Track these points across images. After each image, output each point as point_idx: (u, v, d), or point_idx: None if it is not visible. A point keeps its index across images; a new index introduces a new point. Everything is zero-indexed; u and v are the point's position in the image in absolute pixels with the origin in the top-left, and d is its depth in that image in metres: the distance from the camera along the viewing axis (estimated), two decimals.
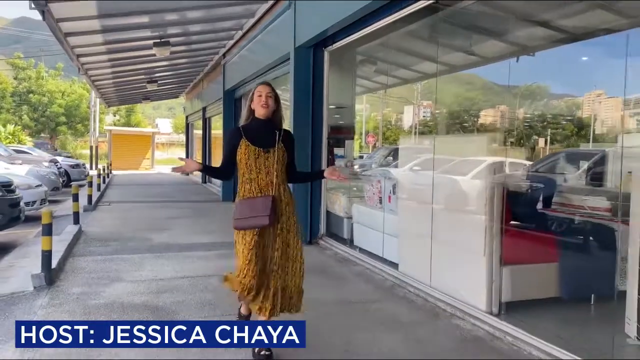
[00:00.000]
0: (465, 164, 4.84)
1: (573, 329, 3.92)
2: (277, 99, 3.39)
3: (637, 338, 3.52)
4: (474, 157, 4.86)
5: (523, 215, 4.80)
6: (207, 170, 3.84)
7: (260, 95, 3.33)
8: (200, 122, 19.17)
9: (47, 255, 5.10)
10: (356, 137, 15.83)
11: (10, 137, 24.95)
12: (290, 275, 3.31)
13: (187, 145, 24.55)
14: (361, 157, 16.07)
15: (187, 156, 24.47)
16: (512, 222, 4.54)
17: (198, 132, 21.27)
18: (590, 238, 4.70)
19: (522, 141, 9.44)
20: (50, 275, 5.10)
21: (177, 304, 4.52)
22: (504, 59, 7.51)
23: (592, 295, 4.33)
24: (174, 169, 3.52)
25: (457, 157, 4.91)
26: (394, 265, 5.51)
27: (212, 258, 6.38)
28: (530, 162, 8.18)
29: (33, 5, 6.10)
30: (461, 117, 10.19)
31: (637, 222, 3.54)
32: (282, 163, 3.34)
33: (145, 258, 6.33)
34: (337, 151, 7.67)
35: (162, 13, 8.22)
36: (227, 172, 3.45)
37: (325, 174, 3.49)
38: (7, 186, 7.49)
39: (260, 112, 3.35)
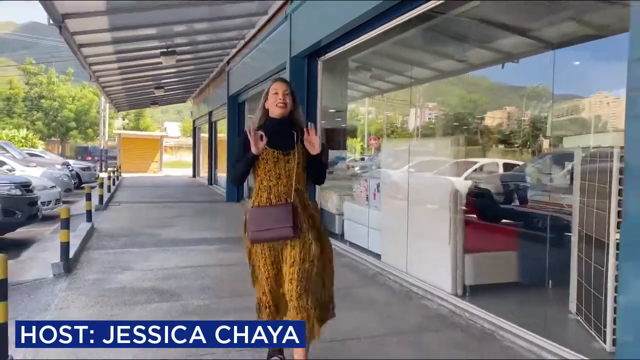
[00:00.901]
0: (434, 164, 5.41)
1: (524, 307, 4.46)
2: (294, 96, 3.06)
3: (576, 313, 4.05)
4: (462, 159, 5.43)
5: (487, 210, 5.34)
6: (248, 162, 2.94)
7: (276, 93, 2.99)
8: (207, 126, 19.83)
9: (65, 247, 5.71)
10: (358, 139, 16.37)
11: (23, 141, 25.74)
12: (320, 290, 2.98)
13: (194, 148, 25.21)
14: (362, 159, 16.56)
15: (193, 159, 25.13)
16: (474, 215, 5.08)
17: (205, 135, 21.92)
18: (549, 230, 5.23)
19: (528, 143, 9.67)
20: (68, 264, 5.71)
21: (180, 288, 5.10)
22: (487, 65, 8.08)
23: (549, 281, 4.86)
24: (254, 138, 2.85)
25: (427, 158, 5.48)
26: (378, 256, 6.07)
27: (213, 251, 6.98)
28: (522, 163, 8.66)
29: (52, 22, 6.73)
30: (465, 119, 10.48)
31: (577, 215, 4.08)
32: (303, 166, 2.96)
33: (152, 251, 6.93)
34: (334, 153, 8.31)
35: (169, 25, 8.84)
36: (244, 177, 3.07)
37: (312, 152, 2.93)
38: (27, 186, 8.13)
39: (276, 112, 3.00)
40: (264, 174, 2.93)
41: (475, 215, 5.18)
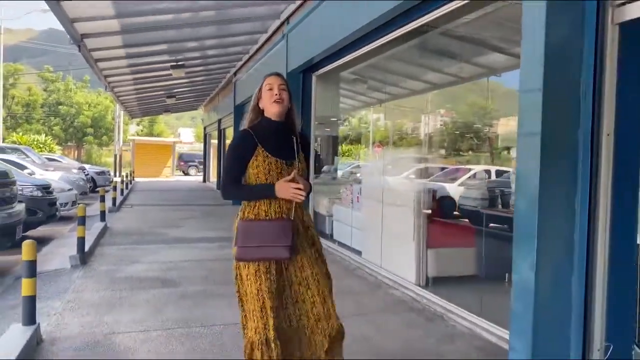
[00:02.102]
0: (402, 169, 6.10)
1: (476, 295, 5.08)
2: (290, 94, 2.68)
3: None
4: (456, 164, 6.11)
5: (451, 211, 6.02)
6: (261, 196, 2.59)
7: (270, 89, 2.60)
8: (216, 133, 20.68)
9: (81, 241, 6.47)
10: (362, 146, 17.07)
11: (42, 146, 26.83)
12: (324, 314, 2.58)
13: (205, 154, 26.07)
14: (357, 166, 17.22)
15: (204, 165, 25.96)
16: (437, 215, 5.74)
17: (215, 141, 22.76)
18: (507, 228, 5.86)
19: None
20: (84, 256, 6.46)
21: (181, 278, 5.82)
22: (474, 79, 8.70)
23: (507, 275, 5.49)
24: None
25: (398, 164, 6.17)
26: (359, 253, 6.75)
27: (213, 248, 7.70)
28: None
29: (72, 41, 7.53)
30: (474, 125, 10.87)
31: None
32: (305, 177, 2.66)
33: (159, 248, 7.67)
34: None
35: (179, 42, 9.64)
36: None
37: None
38: (47, 188, 8.93)
39: (272, 110, 2.60)
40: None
41: (440, 216, 5.81)
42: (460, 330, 4.21)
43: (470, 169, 9.11)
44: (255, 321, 2.48)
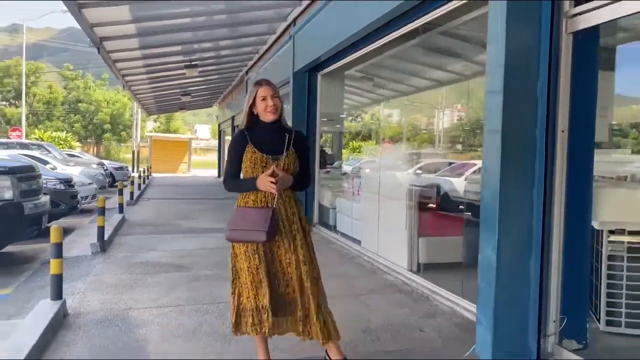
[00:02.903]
0: (397, 163, 6.50)
1: (460, 279, 5.43)
2: (280, 98, 3.01)
3: None
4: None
5: (442, 202, 6.41)
6: (249, 188, 2.97)
7: (264, 99, 2.93)
8: (230, 129, 21.23)
9: (101, 230, 7.00)
10: (372, 142, 17.51)
11: (62, 142, 27.67)
12: (308, 295, 2.95)
13: (219, 150, 26.66)
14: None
15: (218, 160, 26.57)
16: (431, 205, 6.14)
17: (229, 138, 23.34)
18: None
19: None
20: (104, 244, 6.99)
21: (193, 263, 6.31)
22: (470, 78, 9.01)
23: None
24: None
25: (393, 159, 6.58)
26: (359, 242, 7.17)
27: (224, 238, 8.18)
28: None
29: (92, 44, 8.06)
30: (481, 121, 11.04)
31: None
32: (292, 171, 2.96)
33: (174, 237, 8.18)
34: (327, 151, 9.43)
35: (192, 44, 10.14)
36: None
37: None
38: (69, 182, 9.51)
39: (268, 118, 2.96)
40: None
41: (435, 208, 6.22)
42: (442, 309, 4.62)
43: (475, 164, 9.47)
44: (247, 291, 2.94)
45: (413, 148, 8.86)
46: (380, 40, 6.59)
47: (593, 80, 3.48)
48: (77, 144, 34.56)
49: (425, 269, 5.73)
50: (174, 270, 5.98)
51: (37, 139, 26.32)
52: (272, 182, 2.83)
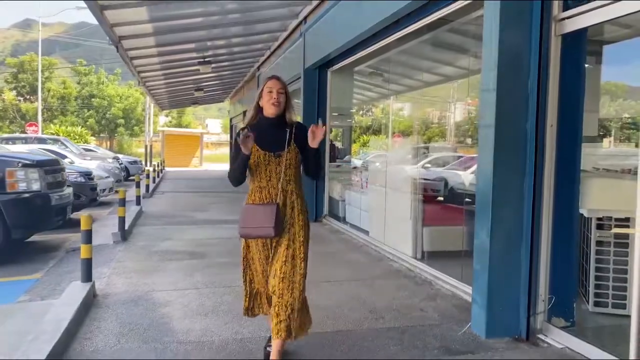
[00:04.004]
0: (406, 157, 6.80)
1: (460, 266, 5.73)
2: (288, 96, 3.10)
3: None
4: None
5: (448, 194, 6.72)
6: (242, 163, 3.03)
7: (270, 92, 3.04)
8: (241, 124, 21.60)
9: (122, 220, 7.39)
10: (382, 136, 17.80)
11: (78, 137, 28.24)
12: (292, 288, 3.06)
13: (231, 144, 27.06)
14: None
15: (230, 152, 26.94)
16: (435, 197, 6.44)
17: None
18: None
19: None
20: (124, 234, 7.38)
21: (208, 252, 6.67)
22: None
23: None
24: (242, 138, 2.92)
25: (401, 153, 6.89)
26: (367, 232, 7.49)
27: (237, 228, 8.54)
28: None
29: (111, 43, 8.43)
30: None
31: None
32: (295, 166, 3.09)
33: (189, 227, 8.56)
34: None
35: (206, 41, 10.49)
36: (242, 178, 3.13)
37: (311, 144, 3.01)
38: (89, 175, 9.93)
39: (270, 111, 3.05)
40: (257, 175, 3.07)
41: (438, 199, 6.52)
42: (443, 292, 4.93)
43: None
44: (259, 278, 3.22)
45: (423, 142, 9.13)
46: (389, 38, 6.82)
47: (580, 79, 3.76)
48: (92, 138, 35.16)
49: (429, 256, 6.04)
50: (191, 258, 6.34)
51: (53, 134, 26.91)
52: (245, 136, 2.91)
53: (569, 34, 3.62)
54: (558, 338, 3.65)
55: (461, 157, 10.73)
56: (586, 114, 3.87)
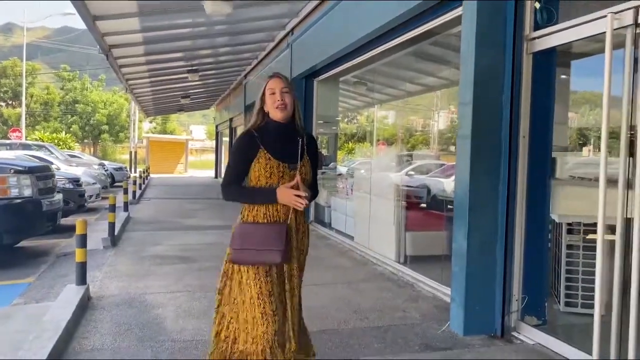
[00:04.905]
0: (390, 165, 7.07)
1: (440, 269, 5.96)
2: (293, 94, 2.62)
3: None
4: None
5: (430, 200, 6.99)
6: (263, 198, 2.56)
7: (273, 93, 2.55)
8: (228, 131, 21.78)
9: (112, 226, 7.52)
10: (367, 143, 18.10)
11: (62, 143, 28.11)
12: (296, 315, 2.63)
13: (217, 151, 27.18)
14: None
15: (216, 161, 27.09)
16: (418, 203, 6.70)
17: (226, 139, 23.88)
18: None
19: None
20: (114, 239, 7.51)
21: (196, 256, 6.84)
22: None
23: None
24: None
25: (385, 161, 7.15)
26: (352, 238, 7.73)
27: (224, 234, 8.70)
28: None
29: (101, 51, 8.59)
30: None
31: None
32: (308, 181, 2.58)
33: (176, 233, 8.72)
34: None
35: (194, 50, 10.69)
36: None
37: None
38: (77, 181, 10.03)
39: (277, 116, 2.56)
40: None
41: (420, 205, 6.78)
42: (424, 294, 5.18)
43: None
44: (256, 329, 2.46)
45: (406, 150, 9.38)
46: (374, 50, 7.09)
47: (550, 93, 4.05)
48: (76, 145, 34.97)
49: (411, 260, 6.28)
50: (181, 262, 6.51)
51: (37, 140, 26.76)
52: (298, 195, 2.44)
53: (540, 52, 3.90)
54: (530, 335, 3.90)
55: (443, 165, 11.02)
56: (556, 126, 4.15)
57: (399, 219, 6.32)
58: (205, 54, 11.33)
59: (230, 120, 20.77)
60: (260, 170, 2.50)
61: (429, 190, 7.20)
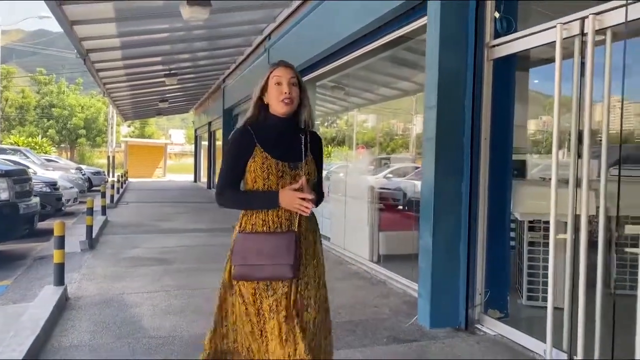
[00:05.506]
0: (366, 168, 7.27)
1: (411, 267, 6.14)
2: (302, 87, 2.30)
3: None
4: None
5: (403, 202, 7.21)
6: (264, 204, 2.22)
7: (279, 83, 2.22)
8: (207, 135, 21.81)
9: (89, 229, 7.57)
10: (346, 147, 18.33)
11: (38, 147, 27.78)
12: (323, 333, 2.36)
13: (196, 155, 27.15)
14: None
15: (195, 165, 27.05)
16: (391, 204, 6.91)
17: (205, 143, 23.89)
18: None
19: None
20: (92, 242, 7.56)
21: (174, 258, 6.94)
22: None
23: None
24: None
25: (362, 164, 7.35)
26: (328, 239, 7.89)
27: (203, 236, 8.83)
28: None
29: (78, 55, 8.64)
30: None
31: None
32: (313, 182, 2.25)
33: (155, 236, 8.78)
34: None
35: (172, 55, 10.78)
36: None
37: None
38: (54, 185, 10.02)
39: (280, 110, 2.23)
40: (263, 190, 2.21)
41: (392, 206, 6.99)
42: (395, 291, 5.37)
43: None
44: (249, 343, 2.25)
45: (385, 153, 9.61)
46: (349, 55, 7.25)
47: (510, 98, 4.29)
48: (53, 149, 34.54)
49: (384, 259, 6.48)
50: (158, 264, 6.60)
51: (12, 144, 26.40)
52: (302, 198, 2.12)
53: (500, 59, 4.13)
54: (493, 327, 4.12)
55: (418, 167, 11.28)
56: (516, 129, 4.39)
57: (373, 220, 6.51)
58: (184, 58, 11.43)
59: (209, 124, 20.81)
60: (257, 171, 2.19)
61: (404, 193, 7.42)
